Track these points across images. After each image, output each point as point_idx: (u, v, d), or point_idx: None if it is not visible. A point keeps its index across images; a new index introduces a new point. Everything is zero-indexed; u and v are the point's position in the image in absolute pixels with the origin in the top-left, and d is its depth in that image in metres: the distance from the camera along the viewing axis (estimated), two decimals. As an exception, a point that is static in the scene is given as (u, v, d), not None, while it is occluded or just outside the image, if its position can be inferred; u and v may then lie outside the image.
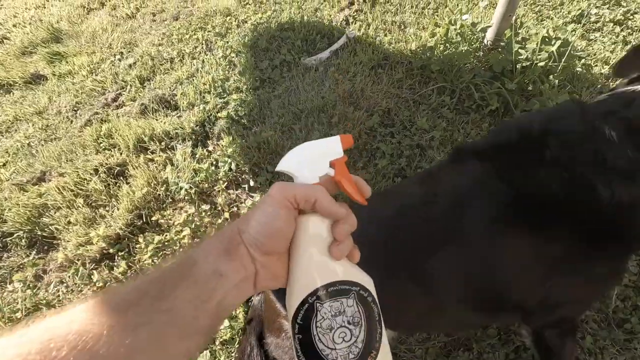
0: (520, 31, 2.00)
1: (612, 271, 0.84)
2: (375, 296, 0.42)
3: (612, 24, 2.25)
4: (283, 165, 0.44)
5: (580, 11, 2.34)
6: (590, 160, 0.73)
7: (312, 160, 0.44)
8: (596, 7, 2.38)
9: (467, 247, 0.79)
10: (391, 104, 1.91)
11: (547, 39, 1.79)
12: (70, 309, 0.34)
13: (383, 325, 0.41)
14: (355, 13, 2.47)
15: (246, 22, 2.54)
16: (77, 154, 1.93)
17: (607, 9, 2.36)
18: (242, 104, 2.00)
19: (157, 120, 2.01)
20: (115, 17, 2.94)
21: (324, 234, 0.41)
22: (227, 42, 2.40)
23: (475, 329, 1.22)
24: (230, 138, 1.83)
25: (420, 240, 0.83)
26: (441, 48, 1.95)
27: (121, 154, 1.88)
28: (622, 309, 1.21)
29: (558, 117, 0.82)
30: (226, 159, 1.78)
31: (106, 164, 1.83)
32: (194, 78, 2.21)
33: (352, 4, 2.53)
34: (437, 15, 2.37)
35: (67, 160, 1.91)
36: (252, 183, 1.69)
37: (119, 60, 2.49)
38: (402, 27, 2.33)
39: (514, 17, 1.88)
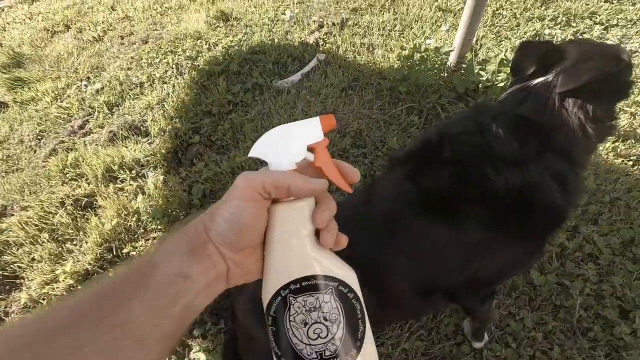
0: (480, 53, 2.11)
1: (531, 249, 0.94)
2: (358, 292, 0.39)
3: (563, 44, 2.42)
4: (256, 151, 0.40)
5: (534, 31, 2.51)
6: (479, 154, 0.85)
7: (288, 144, 0.40)
8: (549, 28, 2.55)
9: (398, 242, 0.88)
10: (362, 125, 1.96)
11: (505, 61, 1.90)
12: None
13: (367, 324, 0.39)
14: (325, 36, 2.53)
15: (217, 45, 2.55)
16: (41, 186, 1.86)
17: (559, 29, 2.54)
18: (215, 128, 2.00)
19: (127, 147, 1.97)
20: (81, 40, 2.88)
21: (302, 222, 0.38)
22: (198, 66, 2.40)
23: (425, 315, 1.30)
24: (204, 164, 1.82)
25: (363, 241, 0.88)
26: (406, 71, 2.02)
27: (89, 184, 1.82)
28: (585, 318, 1.27)
29: (452, 123, 0.95)
30: (200, 185, 1.76)
31: (73, 195, 1.76)
32: (165, 103, 2.18)
33: (321, 27, 2.59)
34: (403, 37, 2.48)
35: (30, 193, 1.83)
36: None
37: (86, 85, 2.43)
38: (371, 49, 2.41)
39: (474, 40, 1.99)
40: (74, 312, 0.32)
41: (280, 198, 0.38)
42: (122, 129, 2.06)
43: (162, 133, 2.03)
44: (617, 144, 1.82)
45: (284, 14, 2.78)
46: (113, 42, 2.81)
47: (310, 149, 0.40)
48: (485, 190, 0.83)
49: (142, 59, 2.55)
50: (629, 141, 1.84)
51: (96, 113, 2.22)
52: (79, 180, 1.85)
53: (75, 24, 3.05)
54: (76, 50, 2.74)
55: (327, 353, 0.37)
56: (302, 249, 0.38)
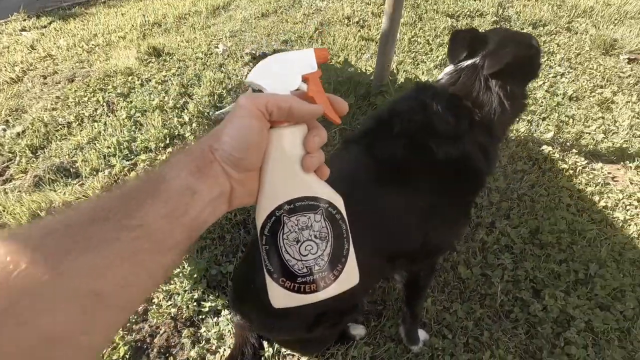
0: (398, 77, 2.35)
1: (464, 213, 1.11)
2: (344, 215, 0.42)
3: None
4: (252, 77, 0.41)
5: (445, 54, 2.85)
6: (424, 130, 1.00)
7: (284, 73, 0.41)
8: (456, 52, 2.92)
9: (364, 215, 0.93)
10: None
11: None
12: (27, 228, 0.30)
13: (351, 242, 0.42)
14: (258, 67, 2.64)
15: (150, 80, 2.54)
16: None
17: (464, 52, 2.91)
18: (153, 164, 1.98)
19: (55, 191, 1.86)
20: (-4, 82, 2.69)
21: (296, 147, 0.40)
22: (131, 102, 2.37)
23: (385, 277, 1.41)
24: (142, 201, 1.78)
25: None
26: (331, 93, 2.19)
27: (12, 234, 1.69)
28: (506, 302, 1.45)
29: (399, 101, 1.09)
30: (139, 222, 1.71)
31: (-7, 248, 1.62)
32: (97, 142, 2.11)
33: (254, 58, 2.71)
34: (332, 66, 2.67)
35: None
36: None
37: (4, 129, 2.27)
38: (303, 77, 2.57)
39: (393, 65, 2.23)
40: (99, 210, 0.32)
41: (279, 121, 0.39)
42: (48, 173, 1.95)
43: (95, 173, 1.96)
44: (518, 148, 2.11)
45: (216, 47, 2.86)
46: (34, 82, 2.67)
47: (304, 79, 0.41)
48: (430, 161, 0.98)
49: (68, 98, 2.46)
50: (528, 144, 2.15)
51: (18, 158, 2.08)
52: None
53: (-12, 65, 2.86)
54: (-9, 93, 2.56)
55: (317, 267, 0.40)
56: (297, 172, 0.40)
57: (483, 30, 1.14)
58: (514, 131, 2.22)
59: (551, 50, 2.95)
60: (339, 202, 0.43)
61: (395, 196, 0.98)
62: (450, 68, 1.11)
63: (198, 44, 2.93)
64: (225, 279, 1.52)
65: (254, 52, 2.77)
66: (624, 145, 2.15)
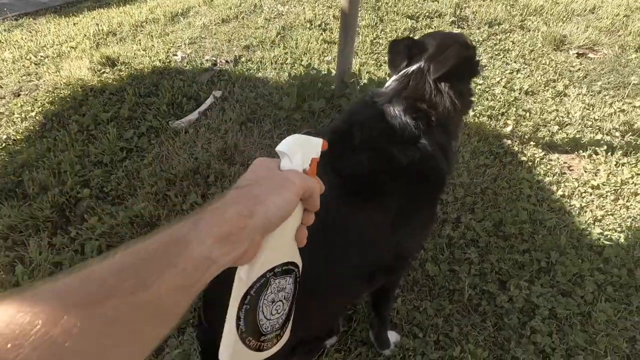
0: (361, 78, 2.36)
1: (431, 214, 1.11)
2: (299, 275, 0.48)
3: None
4: (284, 147, 0.46)
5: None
6: (383, 136, 0.98)
7: (304, 152, 0.47)
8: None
9: (336, 234, 0.91)
10: (264, 154, 2.02)
11: (382, 84, 2.15)
12: (34, 291, 0.29)
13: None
14: (219, 74, 2.58)
15: (104, 91, 2.42)
16: None
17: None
18: (108, 178, 1.87)
19: (-2, 214, 1.73)
20: None
21: (297, 219, 0.46)
22: (84, 115, 2.24)
23: (363, 295, 1.33)
24: (97, 218, 1.68)
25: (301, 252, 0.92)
26: (299, 100, 2.17)
27: (-51, 264, 1.54)
28: (474, 296, 1.46)
29: (356, 110, 1.08)
30: (94, 242, 1.61)
31: None
32: (46, 159, 1.98)
33: (214, 65, 2.65)
34: (295, 70, 2.65)
35: None
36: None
37: (-59, 150, 2.09)
38: (265, 83, 2.53)
39: (355, 67, 2.23)
40: (115, 276, 0.31)
41: (302, 198, 0.44)
42: (-9, 195, 1.80)
43: (44, 191, 1.83)
44: (479, 143, 2.16)
45: (175, 55, 2.78)
46: (-24, 99, 2.49)
47: (312, 160, 0.48)
48: (395, 168, 0.96)
49: (14, 113, 2.30)
50: (489, 139, 2.20)
51: (-44, 180, 1.91)
52: None
53: None
54: None
55: (277, 326, 0.44)
56: (291, 239, 0.46)
57: (417, 37, 1.18)
58: (476, 127, 2.27)
59: (507, 47, 3.06)
60: (300, 264, 0.48)
61: (367, 212, 0.95)
62: (396, 76, 1.11)
63: (155, 52, 2.83)
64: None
65: (214, 58, 2.70)
66: (577, 136, 2.25)
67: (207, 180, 1.86)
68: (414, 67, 1.08)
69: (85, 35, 3.18)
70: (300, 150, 0.46)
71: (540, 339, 1.31)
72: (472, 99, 1.15)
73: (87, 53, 2.84)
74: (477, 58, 1.17)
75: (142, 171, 1.89)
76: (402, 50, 1.11)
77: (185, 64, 2.68)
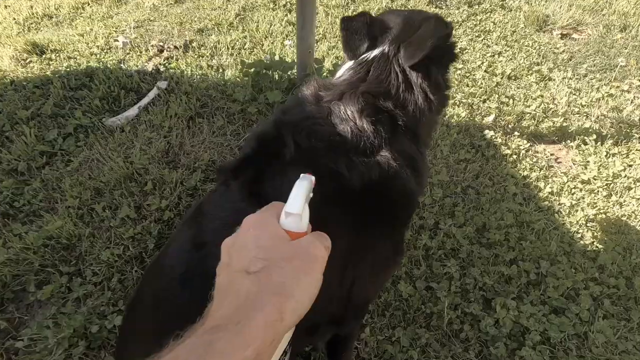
0: (325, 63, 2.08)
1: (396, 250, 0.83)
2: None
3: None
4: (297, 208, 0.40)
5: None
6: (328, 147, 0.71)
7: (306, 208, 0.41)
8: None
9: None
10: (215, 155, 1.74)
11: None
12: None
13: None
14: (166, 61, 2.26)
15: (27, 84, 2.06)
16: None
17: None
18: (21, 191, 1.56)
19: None
20: None
21: None
22: None
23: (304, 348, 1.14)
24: (1, 242, 1.38)
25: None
26: (254, 91, 1.88)
27: None
28: (454, 319, 1.24)
29: (290, 107, 0.79)
30: (-2, 271, 1.31)
31: None
32: (-54, 168, 1.64)
33: (161, 51, 2.31)
34: (254, 55, 2.35)
35: None
36: (39, 295, 1.26)
37: None
38: (220, 71, 2.22)
39: (317, 52, 1.95)
40: None
41: None
42: None
43: (-60, 210, 1.50)
44: (459, 135, 1.94)
45: (116, 40, 2.42)
46: None
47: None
48: (342, 191, 0.69)
49: None
50: (469, 130, 1.98)
51: None
52: None
53: None
54: None
55: None
56: None
57: (375, 14, 0.90)
58: (455, 117, 2.05)
59: (487, 29, 2.84)
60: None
61: None
62: (350, 63, 0.84)
63: (94, 38, 2.47)
64: (113, 335, 1.18)
65: (161, 43, 2.37)
66: (564, 124, 2.05)
67: (143, 188, 1.57)
68: (376, 51, 0.82)
69: (15, 20, 2.77)
70: (305, 208, 0.41)
71: (532, 372, 1.11)
72: (448, 92, 0.89)
73: (12, 39, 2.44)
74: (453, 39, 0.91)
75: (64, 180, 1.58)
76: (360, 30, 0.84)
77: (127, 51, 2.34)
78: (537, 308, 1.27)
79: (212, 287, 0.38)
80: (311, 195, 0.42)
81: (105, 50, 2.35)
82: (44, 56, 2.28)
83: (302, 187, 0.41)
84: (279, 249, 0.35)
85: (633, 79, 2.42)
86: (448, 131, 1.95)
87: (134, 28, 2.57)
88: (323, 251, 0.37)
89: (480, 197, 1.65)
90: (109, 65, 2.19)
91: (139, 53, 2.31)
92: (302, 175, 0.43)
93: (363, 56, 0.83)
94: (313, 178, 0.43)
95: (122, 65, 2.22)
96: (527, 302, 1.28)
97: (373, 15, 0.88)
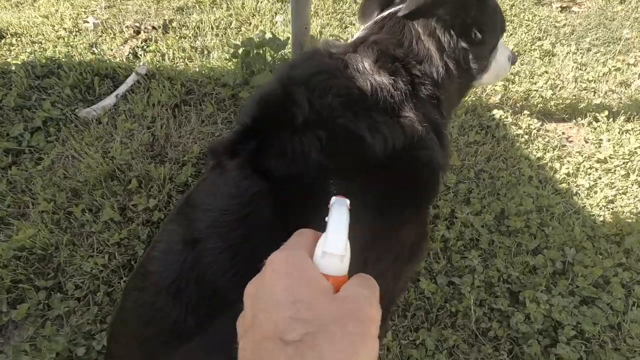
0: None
1: (422, 235, 0.73)
2: None
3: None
4: (339, 247, 0.31)
5: (374, 15, 2.45)
6: (346, 105, 0.59)
7: (348, 243, 0.32)
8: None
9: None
10: (206, 147, 1.57)
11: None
12: None
13: None
14: (144, 43, 2.04)
15: (-14, 73, 1.83)
16: None
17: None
18: None
19: None
20: None
21: None
22: (-45, 107, 1.66)
23: None
24: (-36, 256, 1.20)
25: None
26: (246, 74, 1.71)
27: None
28: (481, 317, 1.15)
29: (300, 63, 0.68)
30: (-38, 290, 1.14)
31: None
32: None
33: (138, 33, 2.09)
34: (242, 35, 2.15)
35: None
36: (13, 315, 1.10)
37: None
38: (205, 53, 2.02)
39: (314, 29, 1.78)
40: None
41: None
42: None
43: None
44: (467, 116, 1.82)
45: (86, 21, 2.18)
46: None
47: None
48: (362, 161, 0.58)
49: None
50: (477, 110, 1.86)
51: None
52: None
53: None
54: None
55: None
56: None
57: None
58: (460, 96, 1.92)
59: (485, 2, 2.70)
60: None
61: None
62: (363, 27, 0.78)
63: (60, 19, 2.21)
64: (102, 355, 1.04)
65: (137, 24, 2.14)
66: (573, 101, 1.96)
67: (127, 187, 1.40)
68: (390, 10, 0.75)
69: (-32, 1, 2.47)
70: (347, 235, 0.32)
71: (570, 371, 1.03)
72: (471, 66, 0.77)
73: (-35, 23, 2.17)
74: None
75: (34, 181, 1.40)
76: None
77: (99, 33, 2.10)
78: (567, 300, 1.18)
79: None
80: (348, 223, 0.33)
81: (74, 33, 2.11)
82: (3, 41, 2.03)
83: (342, 216, 0.33)
84: (324, 306, 0.26)
85: (638, 51, 2.34)
86: (455, 112, 1.82)
87: (105, 7, 2.32)
88: (378, 309, 0.29)
89: (494, 181, 1.55)
90: (79, 50, 1.96)
91: (112, 35, 2.08)
92: (334, 199, 0.35)
93: (376, 17, 0.76)
94: (348, 202, 0.35)
95: (94, 49, 1.99)
96: (556, 294, 1.19)
97: None
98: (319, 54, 0.68)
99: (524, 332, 1.11)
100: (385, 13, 0.75)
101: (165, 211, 1.35)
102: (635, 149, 1.71)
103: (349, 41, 0.75)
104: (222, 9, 2.35)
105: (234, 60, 1.80)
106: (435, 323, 1.14)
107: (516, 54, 1.06)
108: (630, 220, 1.43)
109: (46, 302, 1.13)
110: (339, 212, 0.33)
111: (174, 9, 2.32)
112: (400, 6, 0.73)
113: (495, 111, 1.86)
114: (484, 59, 0.80)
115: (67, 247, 1.23)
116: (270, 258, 0.30)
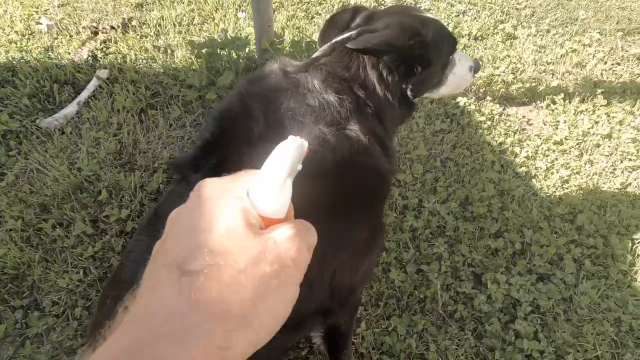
0: (286, 36, 1.90)
1: (378, 229, 0.83)
2: None
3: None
4: (274, 181, 0.28)
5: (341, 3, 2.44)
6: (296, 118, 0.66)
7: (288, 183, 0.29)
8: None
9: None
10: (175, 151, 1.56)
11: (312, 44, 1.73)
12: None
13: None
14: (103, 45, 1.97)
15: None
16: None
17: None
18: None
19: None
20: None
21: None
22: None
23: (290, 349, 1.10)
24: None
25: None
26: (206, 73, 1.69)
27: None
28: (448, 301, 1.23)
29: (254, 81, 0.75)
30: None
31: None
32: None
33: (95, 33, 2.01)
34: (206, 31, 2.10)
35: None
36: (-9, 337, 1.10)
37: None
38: (169, 52, 1.98)
39: (277, 25, 1.77)
40: None
41: None
42: None
43: None
44: (433, 105, 1.87)
45: (38, 23, 2.07)
46: None
47: None
48: (315, 169, 0.64)
49: None
50: (442, 99, 1.92)
51: None
52: None
53: None
54: None
55: None
56: None
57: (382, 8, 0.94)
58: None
59: (449, -14, 2.72)
60: None
61: None
62: (328, 45, 0.83)
63: (10, 21, 2.10)
64: (87, 369, 1.06)
65: (94, 24, 2.05)
66: (533, 84, 2.04)
67: (97, 198, 1.39)
68: (344, 35, 0.81)
69: None
70: (289, 178, 0.28)
71: (526, 344, 1.13)
72: (410, 111, 0.89)
73: None
74: (427, 55, 0.83)
75: (0, 198, 1.37)
76: (339, 20, 0.88)
77: (54, 35, 2.01)
78: (525, 278, 1.28)
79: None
80: (299, 168, 0.30)
81: (26, 37, 2.01)
82: (-51, 48, 1.91)
83: (286, 154, 0.28)
84: (241, 239, 0.23)
85: (593, 31, 2.43)
86: (422, 101, 1.87)
87: (58, 7, 2.20)
88: (305, 253, 0.26)
89: (460, 168, 1.62)
90: (34, 55, 1.88)
91: (68, 37, 1.99)
92: (290, 137, 0.30)
93: (332, 41, 0.82)
94: (306, 144, 0.30)
95: (50, 53, 1.91)
96: (515, 274, 1.29)
97: (365, 8, 0.89)
98: (275, 72, 0.73)
99: (486, 312, 1.20)
100: (339, 38, 0.81)
101: (139, 220, 1.35)
102: (588, 129, 1.82)
103: (302, 62, 0.80)
104: (183, 3, 2.28)
105: (198, 60, 1.77)
106: (406, 310, 1.22)
107: (480, 62, 1.12)
108: (582, 199, 1.54)
109: (24, 320, 1.14)
110: (285, 148, 0.29)
111: (132, 5, 2.24)
112: (353, 32, 0.79)
113: (459, 99, 1.92)
114: (433, 79, 0.86)
115: (40, 265, 1.23)
116: (201, 182, 0.27)
